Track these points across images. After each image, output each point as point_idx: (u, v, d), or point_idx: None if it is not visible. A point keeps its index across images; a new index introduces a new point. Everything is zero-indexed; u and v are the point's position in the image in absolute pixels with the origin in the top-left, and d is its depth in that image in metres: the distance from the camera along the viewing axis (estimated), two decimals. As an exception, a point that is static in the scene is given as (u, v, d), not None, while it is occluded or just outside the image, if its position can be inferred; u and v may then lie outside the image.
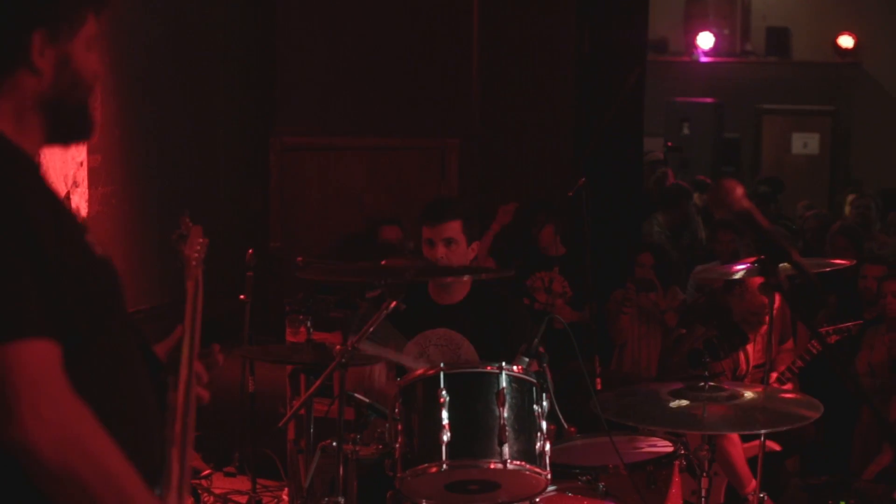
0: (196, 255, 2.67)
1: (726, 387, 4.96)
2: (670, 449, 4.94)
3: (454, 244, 5.24)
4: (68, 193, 6.13)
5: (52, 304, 2.26)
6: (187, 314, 2.71)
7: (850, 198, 14.30)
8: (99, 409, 2.28)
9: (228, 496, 7.10)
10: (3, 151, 2.35)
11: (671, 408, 4.74)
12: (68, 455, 2.19)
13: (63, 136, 2.55)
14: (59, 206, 2.37)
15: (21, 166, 2.35)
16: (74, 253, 2.36)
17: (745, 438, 6.41)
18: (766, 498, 5.20)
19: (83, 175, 6.31)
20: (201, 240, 2.69)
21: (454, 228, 5.25)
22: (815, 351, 6.80)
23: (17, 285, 2.21)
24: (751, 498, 5.80)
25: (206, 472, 7.32)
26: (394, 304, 4.42)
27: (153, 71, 7.29)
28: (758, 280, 6.49)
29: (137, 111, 7.06)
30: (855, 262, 7.99)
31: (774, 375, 6.79)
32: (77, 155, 6.24)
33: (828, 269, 5.90)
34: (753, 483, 6.00)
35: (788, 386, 6.74)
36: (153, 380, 2.60)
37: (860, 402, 7.82)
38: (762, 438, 5.21)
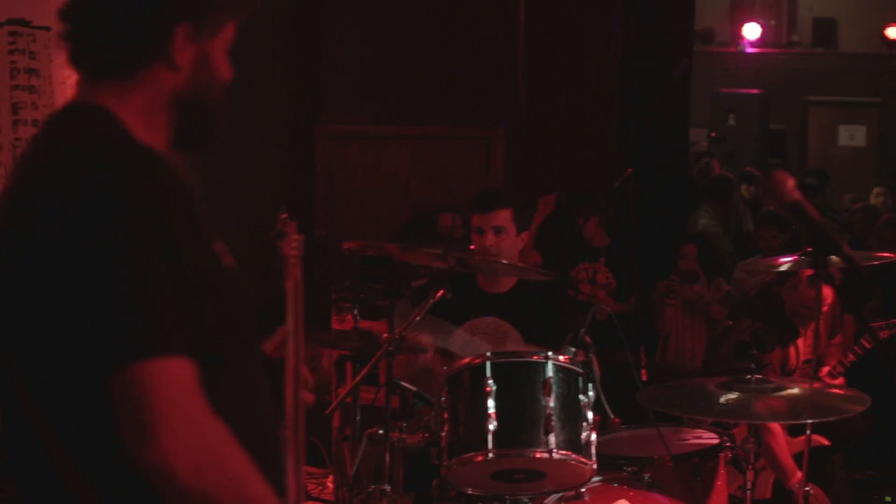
0: (294, 252, 2.58)
1: (773, 379, 4.94)
2: (716, 441, 4.93)
3: (504, 232, 5.25)
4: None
5: (189, 319, 2.16)
6: (289, 315, 2.59)
7: (876, 190, 14.21)
8: (233, 428, 2.18)
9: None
10: (139, 150, 2.22)
11: (718, 399, 4.74)
12: (208, 478, 2.10)
13: (187, 140, 2.46)
14: (194, 211, 2.26)
15: (158, 166, 2.22)
16: (209, 263, 2.28)
17: (792, 434, 6.38)
18: (811, 490, 5.19)
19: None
20: (297, 236, 2.60)
21: (504, 217, 5.27)
22: (868, 346, 6.75)
23: (157, 299, 2.11)
24: (796, 489, 5.77)
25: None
26: (440, 292, 4.43)
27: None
28: (808, 273, 6.47)
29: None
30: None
31: (825, 370, 6.75)
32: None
33: (875, 263, 5.87)
34: (799, 475, 5.98)
35: (840, 381, 6.70)
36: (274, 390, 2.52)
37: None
38: (808, 432, 5.19)
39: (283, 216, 2.62)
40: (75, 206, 2.12)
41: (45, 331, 2.14)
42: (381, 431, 4.45)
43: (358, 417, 5.10)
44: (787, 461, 6.21)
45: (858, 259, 5.33)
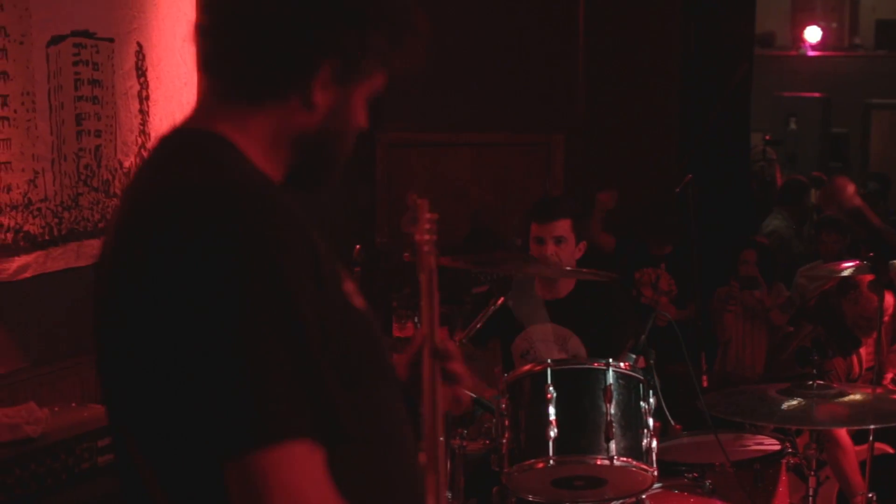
0: (427, 237, 2.20)
1: (835, 385, 4.93)
2: (777, 447, 4.92)
3: (564, 242, 5.26)
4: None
5: (312, 390, 1.90)
6: (424, 315, 2.27)
7: None
8: (368, 502, 2.00)
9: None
10: (256, 195, 1.96)
11: (779, 405, 4.72)
12: None
13: (302, 181, 2.21)
14: (318, 253, 1.98)
15: (277, 212, 1.96)
16: (337, 314, 2.00)
17: (856, 442, 6.33)
18: (874, 498, 5.16)
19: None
20: (429, 215, 2.21)
21: (564, 227, 5.27)
22: None
23: (273, 375, 1.86)
24: (859, 500, 5.74)
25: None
26: (500, 300, 4.45)
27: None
28: (867, 278, 6.42)
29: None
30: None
31: (889, 377, 6.70)
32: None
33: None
34: (863, 496, 5.93)
35: (902, 387, 6.65)
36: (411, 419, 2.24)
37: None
38: (871, 437, 5.16)
39: (413, 194, 2.32)
40: (184, 264, 1.89)
41: (158, 401, 1.94)
42: (441, 438, 4.46)
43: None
44: (856, 478, 6.14)
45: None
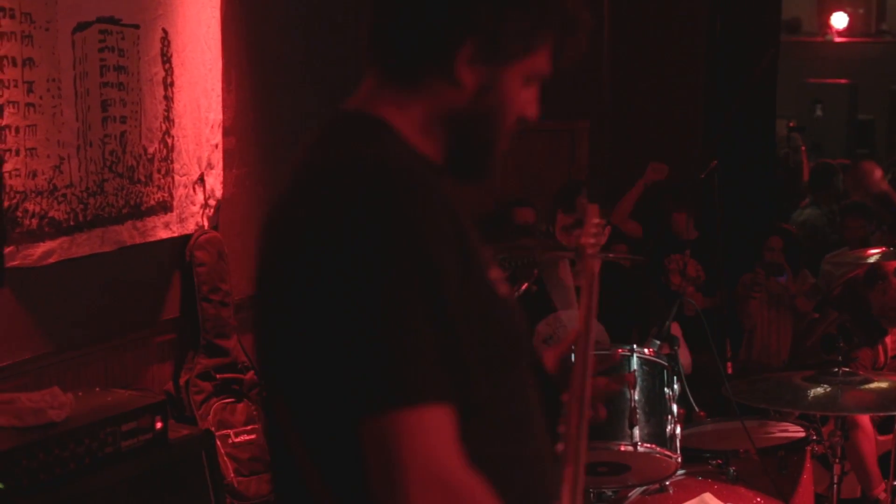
0: (592, 241, 2.25)
1: (860, 373, 4.91)
2: (802, 434, 4.90)
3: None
4: (202, 175, 6.24)
5: (451, 361, 1.96)
6: (581, 315, 2.29)
7: None
8: (494, 479, 1.99)
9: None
10: (412, 174, 2.05)
11: (804, 392, 4.71)
12: None
13: (461, 168, 2.25)
14: (466, 237, 2.06)
15: (430, 191, 2.03)
16: (479, 298, 2.06)
17: (881, 432, 6.31)
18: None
19: (218, 157, 6.41)
20: (597, 221, 2.27)
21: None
22: None
23: (415, 339, 1.93)
24: (882, 496, 5.72)
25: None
26: (525, 285, 4.44)
27: (286, 54, 7.37)
28: (893, 265, 6.39)
29: (271, 94, 7.15)
30: None
31: None
32: (212, 137, 6.35)
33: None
34: (883, 485, 5.92)
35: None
36: (549, 410, 2.29)
37: None
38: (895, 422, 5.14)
39: (582, 198, 2.29)
40: (337, 235, 1.98)
41: (305, 363, 2.02)
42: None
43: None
44: (874, 468, 6.12)
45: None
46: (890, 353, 6.64)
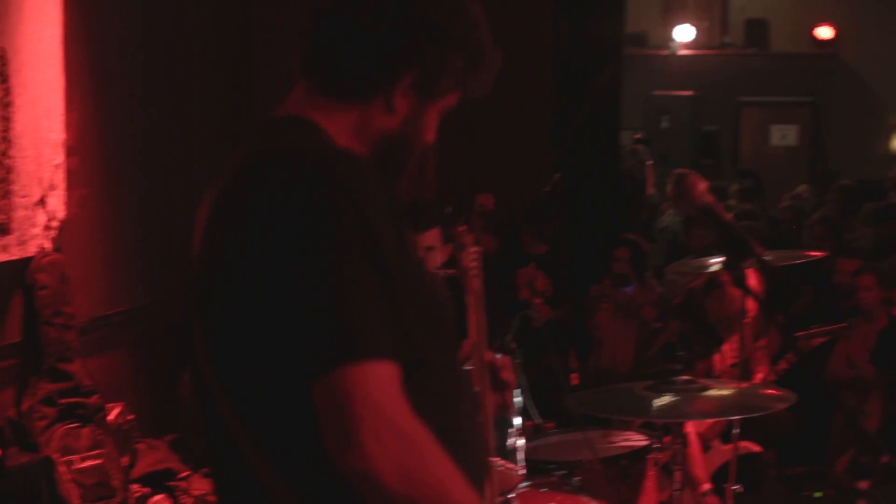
0: (473, 264, 2.54)
1: (700, 381, 5.00)
2: (645, 443, 4.98)
3: (432, 251, 5.26)
4: (44, 196, 6.14)
5: (394, 321, 2.12)
6: (471, 328, 2.53)
7: (802, 188, 14.34)
8: (436, 432, 2.14)
9: (206, 497, 7.10)
10: (345, 155, 2.25)
11: (645, 401, 4.78)
12: (413, 483, 2.06)
13: None
14: (397, 215, 2.25)
15: (364, 169, 2.23)
16: (412, 266, 2.27)
17: (724, 441, 6.44)
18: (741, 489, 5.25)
19: (61, 177, 6.32)
20: (474, 248, 2.59)
21: (433, 236, 5.28)
22: (795, 359, 6.80)
23: (363, 300, 2.09)
24: (702, 500, 5.84)
25: (185, 473, 7.33)
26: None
27: (130, 72, 7.29)
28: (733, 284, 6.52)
29: (115, 113, 7.07)
30: (830, 253, 8.07)
31: (759, 377, 6.81)
32: (55, 157, 6.25)
33: (799, 262, 5.94)
34: (707, 485, 6.05)
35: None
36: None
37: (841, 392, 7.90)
38: (734, 428, 5.24)
39: (461, 228, 2.59)
40: (283, 206, 2.14)
41: (250, 334, 2.17)
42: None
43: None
44: (698, 471, 6.24)
45: (773, 261, 5.42)
46: (728, 361, 6.78)
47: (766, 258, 5.30)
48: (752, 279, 6.07)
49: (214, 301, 2.24)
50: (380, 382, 2.07)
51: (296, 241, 2.11)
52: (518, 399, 4.23)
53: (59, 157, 6.32)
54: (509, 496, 4.26)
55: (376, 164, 2.36)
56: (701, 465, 6.24)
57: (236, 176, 2.28)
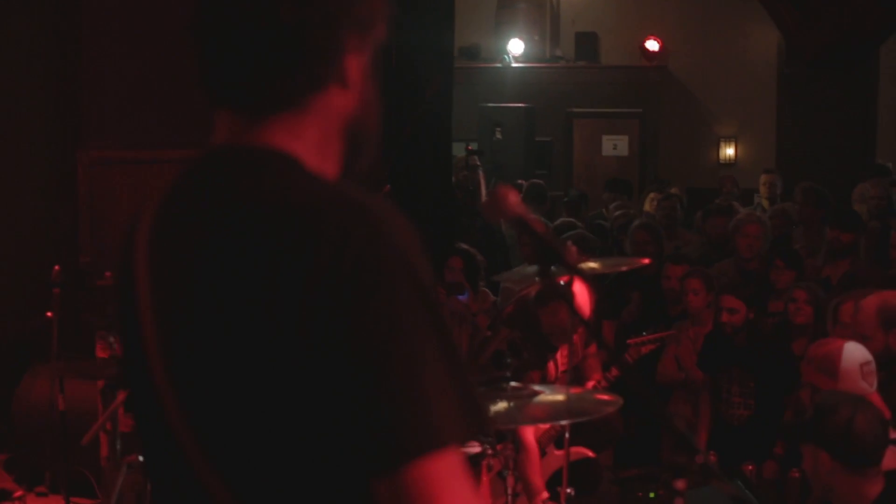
0: None
1: (530, 387, 5.07)
2: (478, 450, 5.02)
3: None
4: None
5: (466, 396, 1.81)
6: None
7: (651, 196, 14.66)
8: None
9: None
10: (378, 202, 1.86)
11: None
12: None
13: (352, 168, 2.08)
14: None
15: (398, 217, 1.87)
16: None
17: (557, 446, 6.52)
18: (572, 494, 5.33)
19: None
20: None
21: None
22: (626, 365, 6.94)
23: (436, 375, 1.77)
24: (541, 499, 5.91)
25: (19, 493, 7.20)
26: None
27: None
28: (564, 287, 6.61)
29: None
30: (652, 260, 8.26)
31: (591, 384, 6.92)
32: None
33: (625, 268, 6.05)
34: (545, 494, 6.13)
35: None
36: None
37: (673, 394, 8.08)
38: (565, 433, 5.32)
39: None
40: (326, 276, 1.77)
41: (271, 414, 1.82)
42: (140, 458, 4.41)
43: (118, 445, 5.05)
44: (535, 480, 6.32)
45: (597, 269, 5.52)
46: (561, 368, 6.87)
47: (592, 266, 5.42)
48: (576, 287, 6.16)
49: (215, 367, 1.88)
50: (459, 468, 1.78)
51: (348, 318, 1.76)
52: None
53: None
54: None
55: (349, 166, 2.05)
56: (539, 474, 6.32)
57: (233, 235, 1.88)
